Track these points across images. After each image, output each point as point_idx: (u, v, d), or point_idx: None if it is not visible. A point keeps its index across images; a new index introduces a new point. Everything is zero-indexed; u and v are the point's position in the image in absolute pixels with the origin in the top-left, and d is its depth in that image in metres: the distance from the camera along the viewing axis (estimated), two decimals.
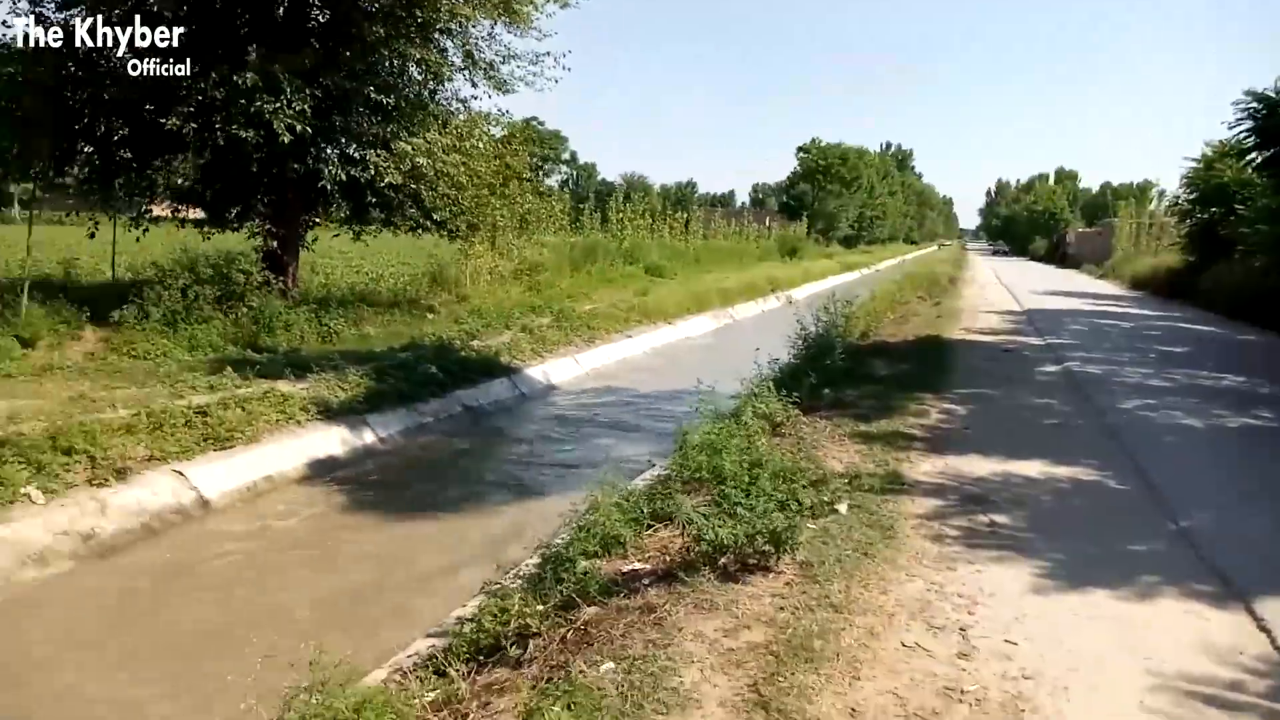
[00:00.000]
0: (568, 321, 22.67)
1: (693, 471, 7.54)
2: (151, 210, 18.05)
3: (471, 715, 4.68)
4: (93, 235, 17.53)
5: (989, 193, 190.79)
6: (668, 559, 6.40)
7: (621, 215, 43.80)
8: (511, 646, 5.51)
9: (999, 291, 38.61)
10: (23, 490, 8.65)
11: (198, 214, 18.61)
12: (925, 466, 8.94)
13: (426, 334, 18.66)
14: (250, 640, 7.12)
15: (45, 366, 12.84)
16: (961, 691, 4.59)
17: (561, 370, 19.62)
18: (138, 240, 18.05)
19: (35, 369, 12.68)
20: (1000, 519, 7.41)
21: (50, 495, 8.78)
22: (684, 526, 6.28)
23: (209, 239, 18.50)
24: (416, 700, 4.98)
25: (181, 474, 10.02)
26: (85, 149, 16.34)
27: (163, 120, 14.66)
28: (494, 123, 21.36)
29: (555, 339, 21.09)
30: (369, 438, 12.91)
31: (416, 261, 27.89)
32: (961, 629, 5.35)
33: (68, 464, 9.23)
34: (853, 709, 4.35)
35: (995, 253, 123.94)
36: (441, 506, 10.64)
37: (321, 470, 11.59)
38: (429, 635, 6.69)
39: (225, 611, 7.75)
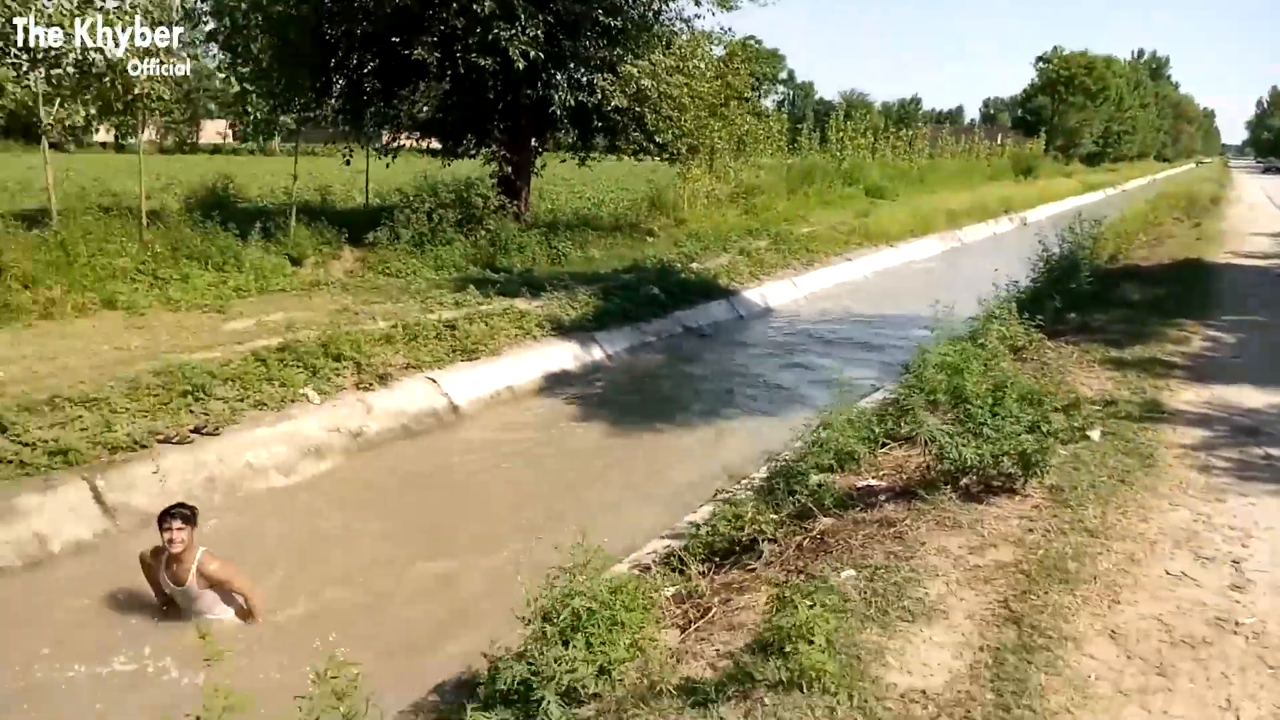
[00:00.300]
0: (785, 244, 22.40)
1: (929, 392, 7.32)
2: (397, 139, 19.33)
3: (714, 609, 4.86)
4: (348, 162, 19.00)
5: (1260, 103, 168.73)
6: (904, 477, 6.30)
7: (841, 134, 42.31)
8: (746, 551, 5.66)
9: (1271, 213, 34.47)
10: (301, 390, 9.66)
11: (435, 146, 19.75)
12: (1188, 395, 8.24)
13: (647, 257, 19.02)
14: (507, 527, 7.76)
15: (312, 283, 14.18)
16: (1236, 623, 4.28)
17: (779, 293, 19.48)
18: (387, 166, 19.37)
19: (304, 285, 14.04)
20: (1277, 453, 6.76)
21: (324, 396, 9.76)
22: (924, 445, 6.14)
23: (447, 166, 19.56)
24: (657, 593, 5.23)
25: (434, 381, 10.85)
26: (339, 82, 17.62)
27: (408, 51, 15.55)
28: (715, 41, 21.18)
29: (772, 262, 20.91)
30: (598, 354, 13.43)
31: (635, 187, 28.33)
32: (1234, 561, 4.96)
33: (337, 369, 10.20)
34: (1112, 631, 4.16)
35: (1266, 170, 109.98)
36: (667, 420, 10.95)
37: (555, 383, 12.20)
38: (662, 537, 6.96)
39: (483, 503, 8.46)
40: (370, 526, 7.86)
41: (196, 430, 8.48)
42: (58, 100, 12.61)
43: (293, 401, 9.47)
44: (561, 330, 13.38)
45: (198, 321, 11.43)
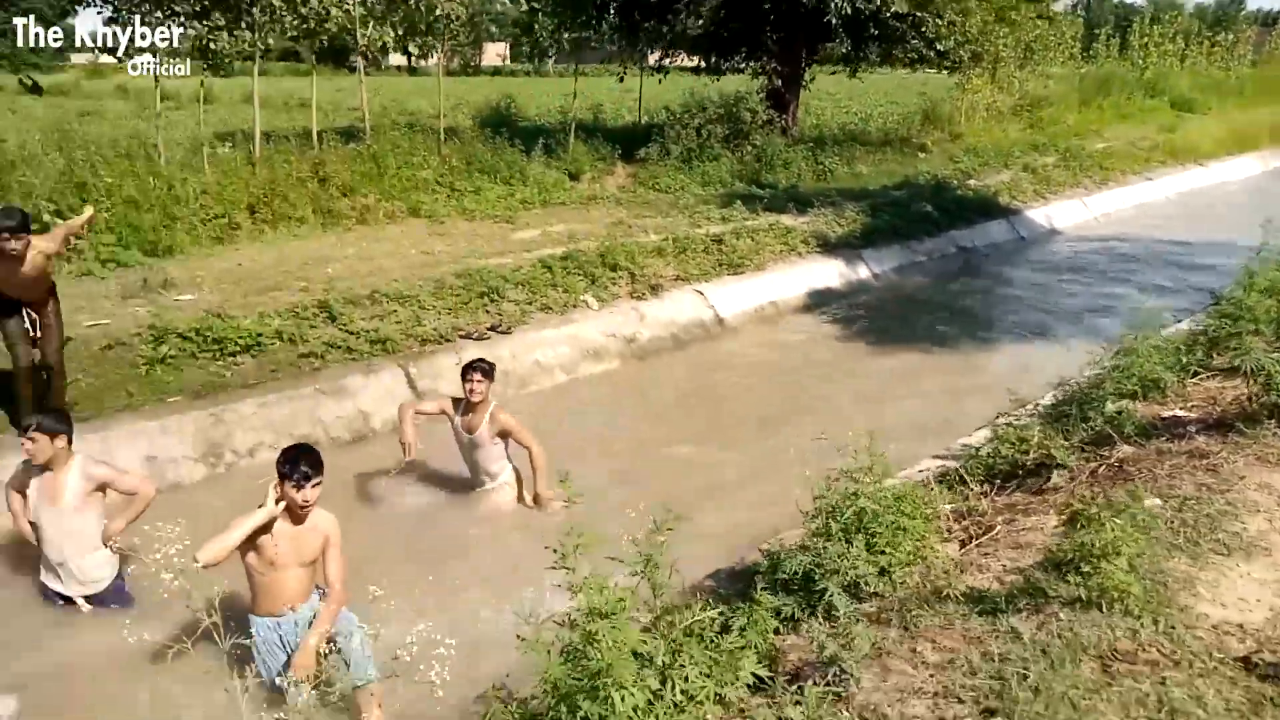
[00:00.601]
0: (1075, 161, 20.59)
1: (1253, 320, 6.58)
2: (668, 57, 19.53)
3: (997, 528, 4.74)
4: (620, 79, 19.45)
5: None
6: (1218, 409, 5.76)
7: (1145, 40, 37.85)
8: (1030, 475, 5.45)
9: None
10: (582, 297, 10.22)
11: (703, 64, 19.75)
12: None
13: (919, 173, 18.20)
14: (768, 433, 7.90)
15: (589, 197, 14.82)
16: None
17: (1066, 214, 18.04)
18: (659, 82, 19.65)
19: (582, 198, 14.70)
20: None
21: (602, 303, 10.28)
22: (1247, 376, 5.56)
23: (715, 82, 19.54)
24: (936, 507, 5.16)
25: (701, 294, 11.10)
26: (614, 2, 18.00)
27: None
28: None
29: (1060, 180, 19.34)
30: (864, 272, 13.14)
31: (905, 100, 27.00)
32: None
33: (614, 278, 10.69)
34: None
35: None
36: (936, 342, 10.60)
37: (820, 300, 12.10)
38: (935, 457, 6.82)
39: (746, 410, 8.66)
40: (643, 423, 8.26)
41: (492, 328, 9.23)
42: (370, 24, 13.78)
43: (574, 307, 10.06)
44: (827, 247, 13.19)
45: (490, 230, 12.33)
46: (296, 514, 4.29)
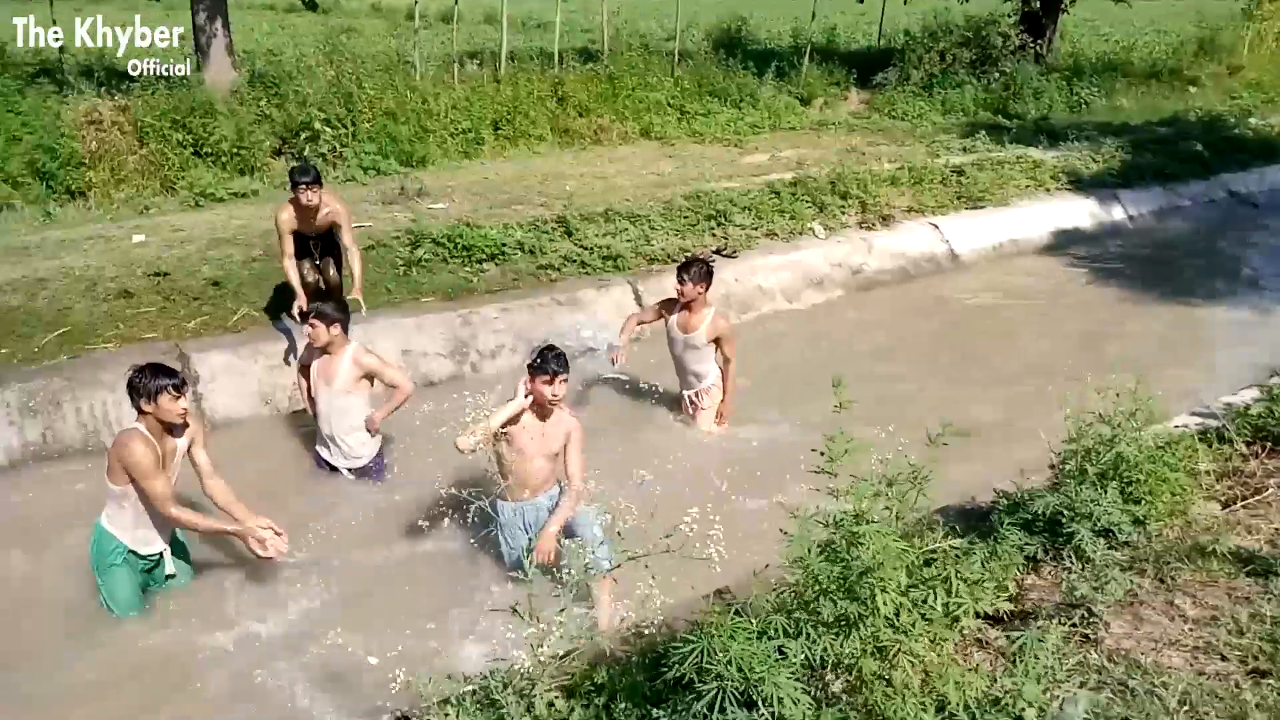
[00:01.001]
0: None
1: None
2: None
3: (1268, 490, 4.36)
4: (861, 0, 18.66)
5: None
6: None
7: None
8: None
9: None
10: (809, 224, 10.06)
11: None
12: None
13: (1190, 108, 16.49)
14: (1008, 371, 7.56)
15: (820, 122, 14.46)
16: None
17: None
18: (905, 2, 18.72)
19: (812, 123, 14.38)
20: None
21: (829, 231, 10.08)
22: None
23: (963, 4, 18.35)
24: (1196, 462, 4.80)
25: (936, 227, 10.66)
26: None
27: None
28: None
29: None
30: (1118, 214, 12.13)
31: (1176, 28, 24.32)
32: None
33: (843, 206, 10.43)
34: None
35: None
36: (1194, 295, 9.67)
37: (1065, 241, 11.31)
38: (1194, 414, 6.29)
39: (982, 347, 8.31)
40: (866, 354, 8.09)
41: (717, 251, 9.28)
42: None
43: (800, 234, 9.92)
44: (1078, 185, 12.25)
45: (719, 153, 12.32)
46: (544, 409, 4.56)
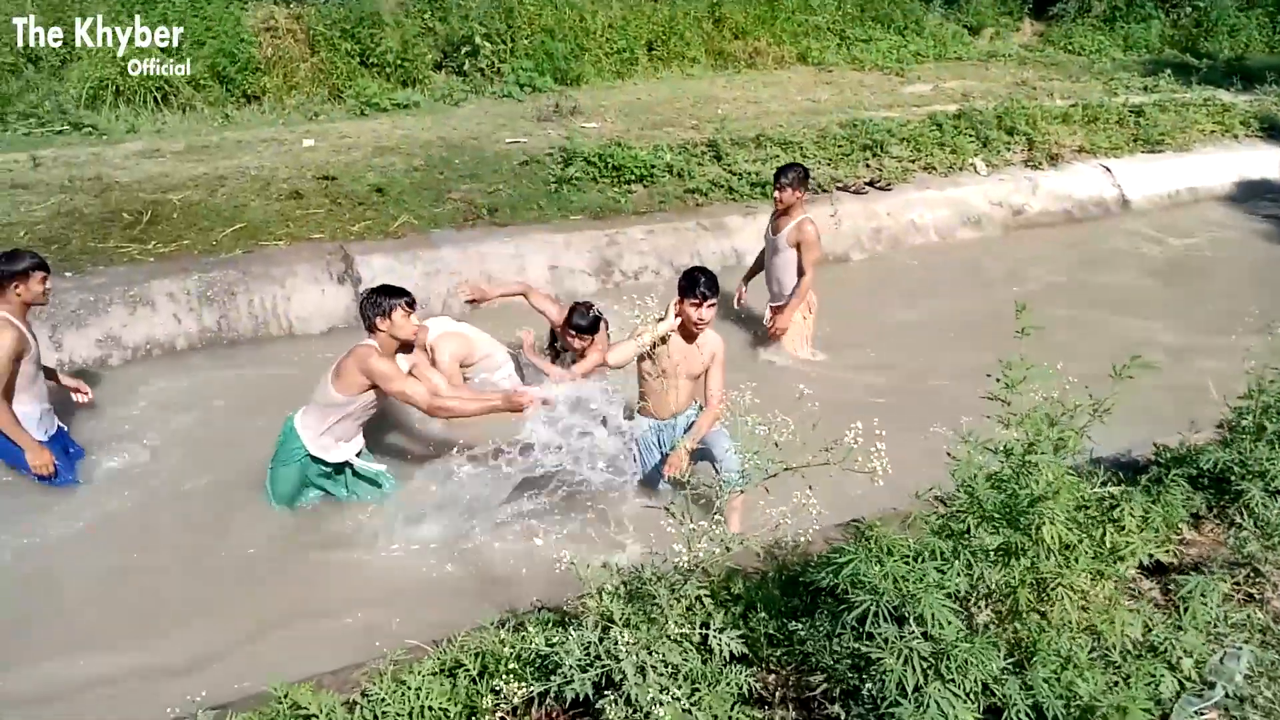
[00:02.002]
0: None
1: None
2: None
3: None
4: None
5: None
6: None
7: None
8: None
9: None
10: (970, 160, 9.64)
11: None
12: None
13: None
14: (1173, 324, 7.15)
15: (989, 53, 13.72)
16: None
17: None
18: None
19: (980, 54, 13.65)
20: None
21: (992, 168, 9.63)
22: None
23: None
24: None
25: (1108, 170, 10.03)
26: None
27: None
28: None
29: None
30: None
31: None
32: None
33: (1008, 143, 9.93)
34: None
35: None
36: None
37: (1251, 193, 10.45)
38: None
39: (1145, 295, 7.87)
40: (1024, 296, 7.76)
41: (870, 183, 9.03)
42: None
43: (960, 169, 9.53)
44: (1272, 133, 11.27)
45: (878, 81, 11.88)
46: (690, 330, 4.60)
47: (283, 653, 3.65)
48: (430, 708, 2.43)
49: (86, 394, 5.14)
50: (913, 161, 9.40)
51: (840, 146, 9.37)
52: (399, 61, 10.52)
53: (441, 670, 2.63)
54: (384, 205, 7.61)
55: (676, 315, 4.58)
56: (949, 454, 2.18)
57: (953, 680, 1.98)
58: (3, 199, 7.23)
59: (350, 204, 7.58)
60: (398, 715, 2.39)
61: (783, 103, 10.70)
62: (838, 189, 8.85)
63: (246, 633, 3.90)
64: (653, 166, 8.56)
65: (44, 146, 8.39)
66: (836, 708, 2.25)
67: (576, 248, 7.68)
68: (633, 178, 8.47)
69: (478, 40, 10.83)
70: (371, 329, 4.37)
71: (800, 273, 6.20)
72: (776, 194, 6.12)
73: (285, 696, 2.55)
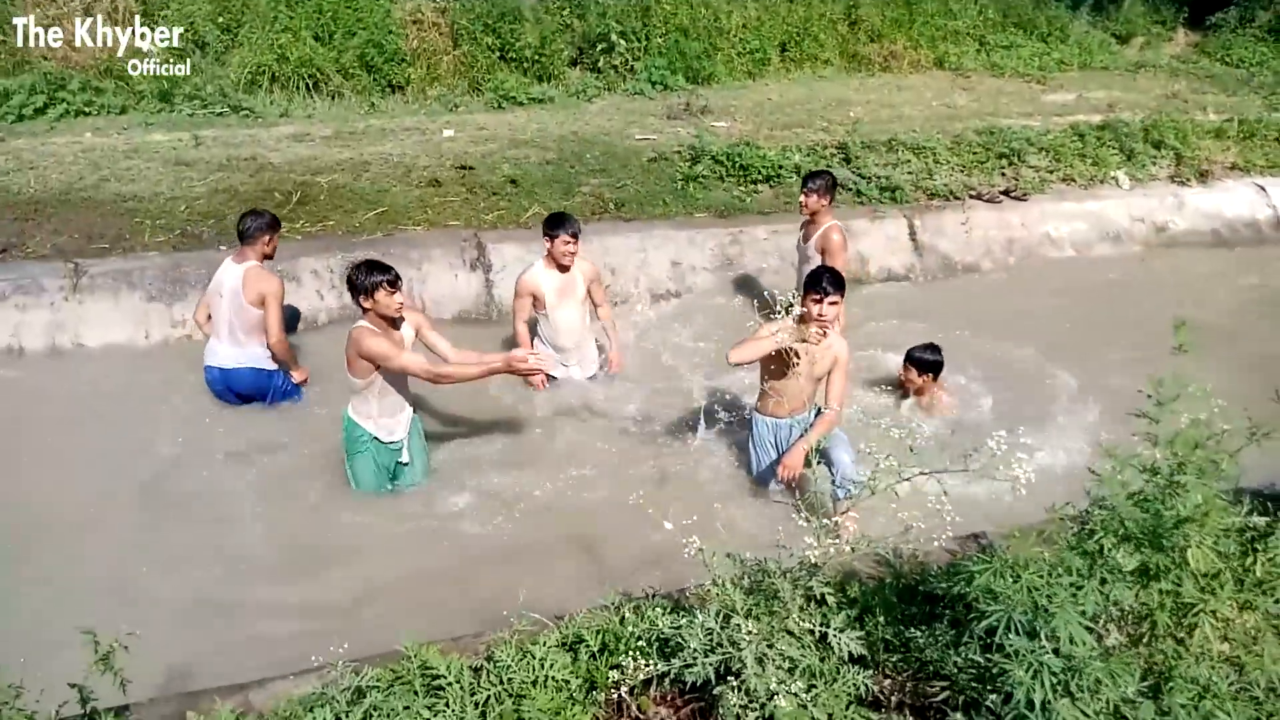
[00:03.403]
0: None
1: None
2: None
3: None
4: None
5: None
6: None
7: None
8: None
9: None
10: (1113, 173, 9.26)
11: None
12: None
13: None
14: None
15: (1137, 63, 13.13)
16: None
17: None
18: None
19: (1129, 64, 13.08)
20: None
21: (1135, 182, 9.24)
22: None
23: None
24: None
25: (1263, 189, 9.47)
26: None
27: None
28: None
29: None
30: None
31: None
32: None
33: (1155, 157, 9.50)
34: None
35: None
36: None
37: None
38: None
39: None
40: (1164, 316, 7.42)
41: (1005, 192, 8.78)
42: None
43: (1101, 182, 9.18)
44: None
45: (1018, 89, 11.54)
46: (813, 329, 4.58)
47: (413, 616, 3.84)
48: (553, 678, 2.52)
49: None
50: (1051, 172, 9.11)
51: (975, 154, 9.15)
52: (536, 57, 10.78)
53: (563, 644, 2.72)
54: (517, 196, 7.83)
55: (802, 317, 4.57)
56: (1091, 470, 2.14)
57: (1083, 699, 1.95)
58: (167, 174, 7.74)
59: (485, 193, 7.83)
60: (523, 682, 2.49)
61: (917, 107, 10.50)
62: (971, 197, 8.65)
63: (382, 595, 4.13)
64: (780, 167, 8.55)
65: (205, 127, 8.94)
66: (959, 716, 2.24)
67: (699, 244, 7.74)
68: (759, 178, 8.47)
69: (613, 38, 10.99)
70: (359, 308, 4.54)
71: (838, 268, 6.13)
72: (803, 199, 6.10)
73: (415, 655, 2.69)
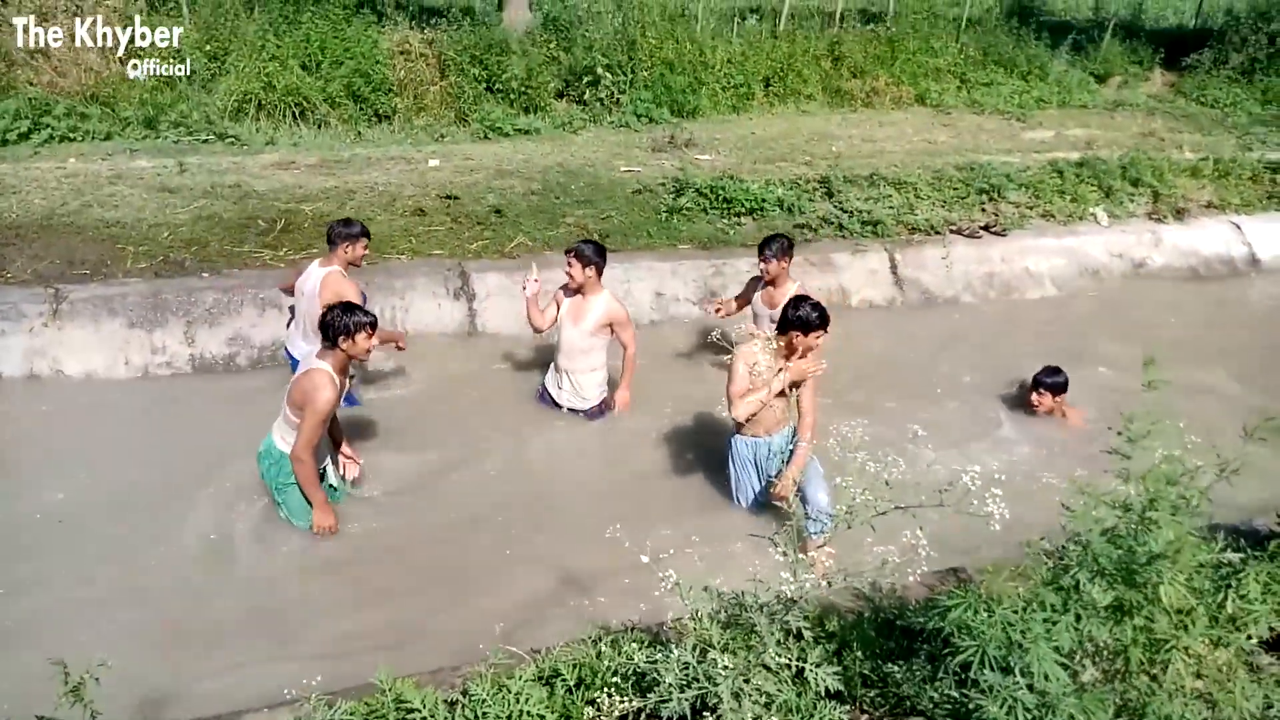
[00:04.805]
0: None
1: None
2: None
3: None
4: None
5: None
6: None
7: None
8: None
9: None
10: (1091, 210, 9.39)
11: None
12: None
13: None
14: None
15: (1115, 102, 13.34)
16: None
17: None
18: None
19: (1106, 103, 13.29)
20: None
21: (1113, 220, 9.36)
22: None
23: None
24: None
25: (1238, 227, 9.62)
26: None
27: None
28: None
29: None
30: None
31: None
32: None
33: (1132, 194, 9.64)
34: None
35: None
36: None
37: None
38: None
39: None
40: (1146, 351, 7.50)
41: (985, 228, 8.88)
42: None
43: (1080, 219, 9.29)
44: None
45: (998, 126, 11.71)
46: (788, 355, 4.64)
47: (386, 649, 3.80)
48: (529, 713, 2.50)
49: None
50: (1030, 208, 9.22)
51: (956, 189, 9.27)
52: (523, 88, 10.87)
53: (540, 678, 2.70)
54: (501, 226, 7.86)
55: (788, 353, 4.62)
56: (1064, 505, 2.15)
57: None
58: (151, 200, 7.73)
59: (470, 223, 7.85)
60: (498, 717, 2.47)
61: (899, 142, 10.63)
62: (951, 231, 8.74)
63: (356, 631, 4.08)
64: (764, 200, 8.62)
65: (190, 154, 8.95)
66: None
67: (682, 275, 7.78)
68: (743, 210, 8.54)
69: (599, 71, 11.10)
70: (333, 345, 4.44)
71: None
72: (762, 266, 5.97)
73: (390, 689, 2.67)
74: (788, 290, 5.97)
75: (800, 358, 4.62)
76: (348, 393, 5.59)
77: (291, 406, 4.49)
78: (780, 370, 4.58)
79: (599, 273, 5.70)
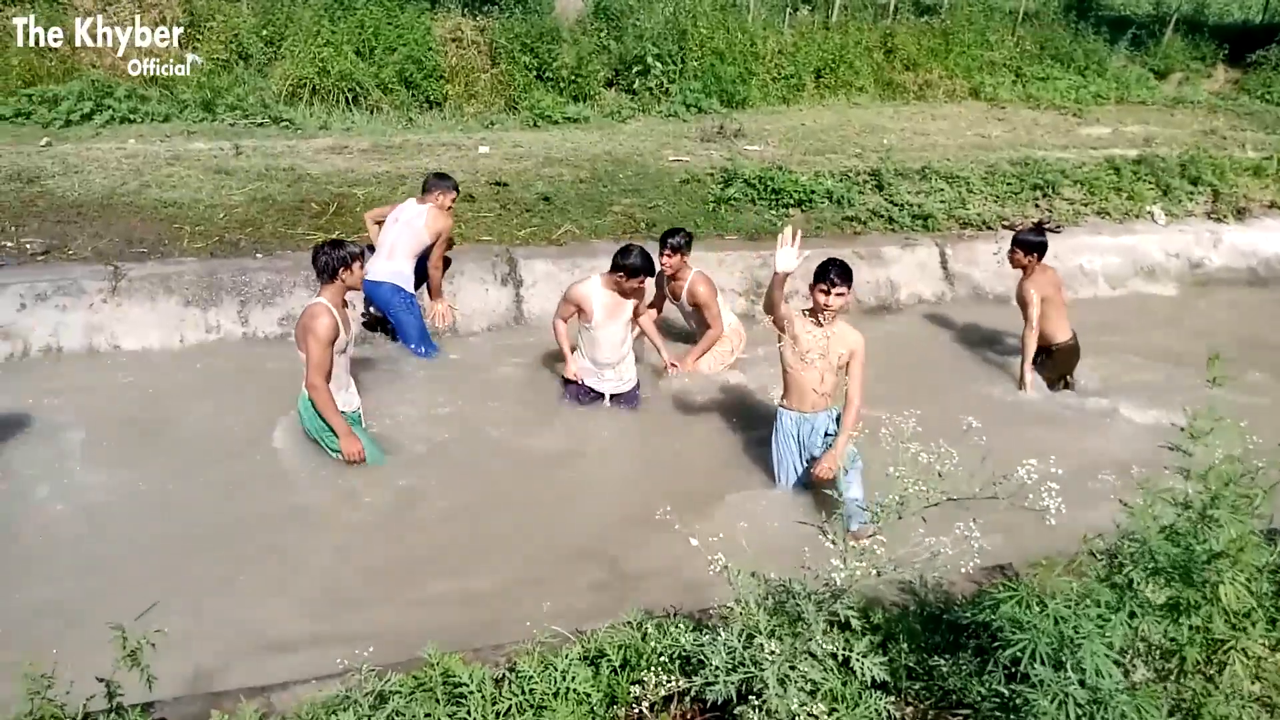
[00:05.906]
0: None
1: None
2: None
3: None
4: None
5: None
6: None
7: None
8: None
9: None
10: (1148, 208, 9.20)
11: None
12: None
13: None
14: None
15: (1175, 99, 13.07)
16: None
17: None
18: None
19: (1166, 100, 13.01)
20: None
21: (1171, 218, 9.17)
22: None
23: None
24: None
25: None
26: None
27: None
28: None
29: None
30: None
31: None
32: None
33: (1192, 193, 9.43)
34: None
35: None
36: None
37: None
38: None
39: None
40: (1198, 358, 7.35)
41: (1039, 224, 8.71)
42: None
43: (1137, 217, 9.12)
44: None
45: (1053, 121, 11.51)
46: (820, 318, 4.63)
47: (435, 626, 3.85)
48: (574, 691, 2.53)
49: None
50: (1085, 205, 9.07)
51: (1009, 184, 9.13)
52: (573, 77, 10.89)
53: (585, 658, 2.73)
54: (549, 213, 7.89)
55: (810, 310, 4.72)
56: (1122, 502, 2.12)
57: None
58: (207, 182, 7.87)
59: (518, 210, 7.90)
60: (544, 693, 2.49)
61: (951, 136, 10.49)
62: (1004, 226, 8.61)
63: (408, 602, 4.15)
64: (812, 192, 8.56)
65: (246, 137, 9.09)
66: None
67: (729, 266, 7.75)
68: (791, 202, 8.49)
69: (649, 60, 11.08)
70: (332, 277, 4.83)
71: (708, 326, 6.30)
72: (663, 259, 6.09)
73: (438, 663, 2.71)
74: (687, 279, 6.21)
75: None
76: (431, 341, 6.47)
77: (300, 346, 4.85)
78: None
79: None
